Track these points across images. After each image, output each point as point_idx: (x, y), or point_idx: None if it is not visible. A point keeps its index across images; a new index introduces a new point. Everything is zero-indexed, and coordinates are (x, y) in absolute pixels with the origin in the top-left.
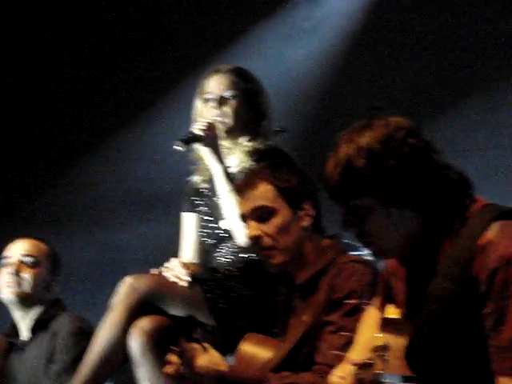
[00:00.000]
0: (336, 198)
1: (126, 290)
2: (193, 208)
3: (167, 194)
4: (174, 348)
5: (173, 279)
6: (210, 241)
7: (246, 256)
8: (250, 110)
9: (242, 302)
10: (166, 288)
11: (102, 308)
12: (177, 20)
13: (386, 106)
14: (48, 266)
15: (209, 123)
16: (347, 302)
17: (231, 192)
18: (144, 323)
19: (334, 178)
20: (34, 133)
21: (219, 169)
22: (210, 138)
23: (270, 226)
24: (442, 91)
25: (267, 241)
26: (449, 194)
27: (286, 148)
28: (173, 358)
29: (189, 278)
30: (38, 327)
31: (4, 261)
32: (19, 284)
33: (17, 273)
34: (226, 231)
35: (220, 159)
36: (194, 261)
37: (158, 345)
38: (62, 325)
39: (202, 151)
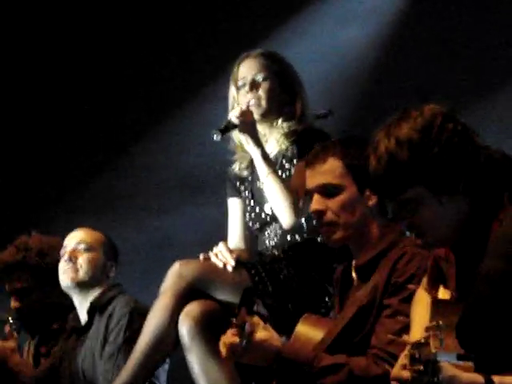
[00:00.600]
0: (385, 194)
1: (174, 276)
2: (237, 193)
3: (217, 178)
4: (234, 320)
5: (220, 264)
6: (255, 225)
7: (292, 238)
8: (282, 92)
9: (288, 284)
10: (213, 274)
11: (154, 291)
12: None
13: (436, 91)
14: (103, 251)
15: (243, 109)
16: (407, 286)
17: (272, 174)
18: (193, 308)
19: (378, 174)
20: (86, 120)
21: (258, 153)
22: (246, 124)
23: (335, 202)
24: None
25: (330, 216)
26: (495, 173)
27: (325, 129)
28: (227, 337)
29: (233, 263)
30: (95, 310)
31: (62, 251)
32: (75, 270)
33: (72, 259)
34: (270, 215)
35: (258, 143)
36: (241, 246)
37: (207, 329)
38: (116, 307)
39: (240, 138)
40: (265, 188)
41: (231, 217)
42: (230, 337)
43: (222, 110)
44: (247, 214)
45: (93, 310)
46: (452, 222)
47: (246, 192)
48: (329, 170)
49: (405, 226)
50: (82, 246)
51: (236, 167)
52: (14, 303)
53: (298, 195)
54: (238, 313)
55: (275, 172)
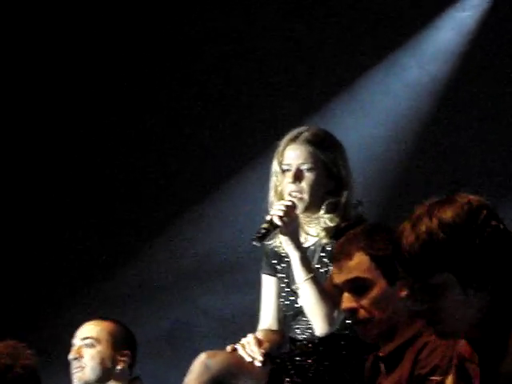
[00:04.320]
0: (412, 273)
1: (199, 368)
2: (273, 271)
3: (244, 263)
4: None
5: (247, 358)
6: (288, 312)
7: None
8: (328, 181)
9: (318, 382)
10: (239, 367)
11: (179, 382)
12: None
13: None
14: (111, 343)
15: (287, 207)
16: (431, 378)
17: (310, 281)
18: None
19: (413, 251)
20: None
21: (297, 256)
22: (288, 225)
23: (366, 299)
24: None
25: (363, 314)
26: None
27: (368, 219)
28: None
29: (261, 358)
30: None
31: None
32: (81, 368)
33: (77, 358)
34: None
35: (299, 246)
36: (273, 327)
37: None
38: None
39: (280, 238)
40: (300, 293)
41: (265, 294)
42: None
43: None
44: (281, 299)
45: None
46: (471, 316)
47: (283, 274)
48: (355, 265)
49: (421, 311)
50: (86, 342)
51: (276, 242)
52: None
53: (334, 301)
54: None
55: (313, 278)
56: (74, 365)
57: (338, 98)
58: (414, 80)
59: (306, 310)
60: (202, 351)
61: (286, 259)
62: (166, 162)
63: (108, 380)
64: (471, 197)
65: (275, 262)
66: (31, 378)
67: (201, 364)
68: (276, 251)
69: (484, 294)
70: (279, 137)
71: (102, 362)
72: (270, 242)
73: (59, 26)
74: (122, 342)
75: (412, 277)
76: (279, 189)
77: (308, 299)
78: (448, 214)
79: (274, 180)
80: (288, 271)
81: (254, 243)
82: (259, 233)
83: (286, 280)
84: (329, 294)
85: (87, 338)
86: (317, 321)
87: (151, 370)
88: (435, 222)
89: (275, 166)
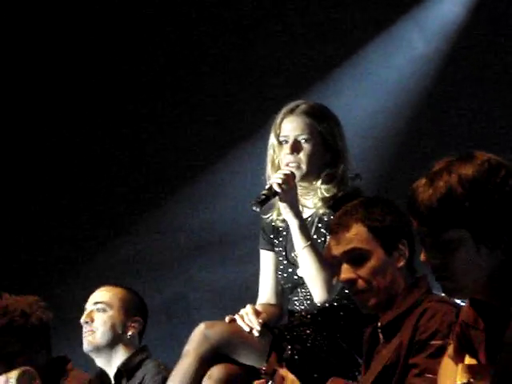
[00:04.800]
0: (427, 226)
1: (198, 338)
2: (271, 246)
3: (242, 238)
4: (264, 368)
5: (246, 328)
6: (287, 285)
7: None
8: (325, 152)
9: (316, 352)
10: (238, 337)
11: (177, 352)
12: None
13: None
14: (122, 309)
15: (286, 175)
16: (431, 343)
17: (308, 248)
18: (216, 372)
19: (430, 205)
20: (107, 179)
21: (296, 224)
22: (287, 193)
23: (364, 269)
24: None
25: (361, 284)
26: None
27: (366, 192)
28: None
29: (259, 328)
30: (122, 376)
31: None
32: (92, 333)
33: (89, 321)
34: (302, 277)
35: (298, 214)
36: (272, 301)
37: None
38: (148, 374)
39: (280, 205)
40: (299, 260)
41: (263, 269)
42: None
43: (247, 172)
44: (279, 272)
45: (120, 375)
46: (481, 275)
47: (280, 248)
48: (353, 236)
49: (432, 266)
50: (98, 307)
51: (273, 216)
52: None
53: (332, 269)
54: (268, 360)
55: (311, 246)
56: (85, 328)
57: (340, 69)
58: (417, 54)
59: (305, 278)
60: (200, 322)
61: (283, 233)
62: (163, 134)
63: (117, 345)
64: (491, 155)
65: (272, 236)
66: (43, 330)
67: (200, 334)
68: (273, 225)
69: (496, 254)
70: (277, 111)
71: (113, 327)
72: (266, 216)
73: (59, 27)
74: (133, 309)
75: (426, 230)
76: (276, 161)
77: (307, 266)
78: (468, 170)
79: (271, 153)
80: (285, 244)
81: (254, 208)
82: (259, 198)
83: (283, 253)
84: (327, 263)
85: (99, 302)
86: (316, 288)
87: (150, 340)
88: (454, 177)
89: (272, 139)
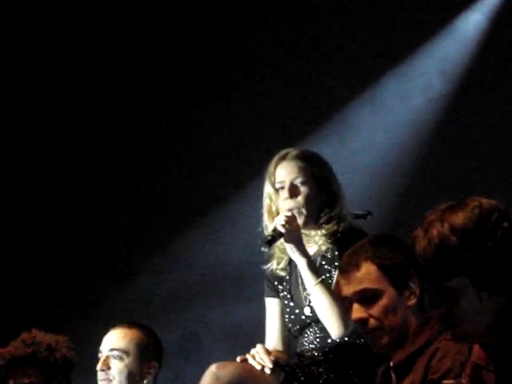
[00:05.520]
0: (427, 278)
1: (209, 379)
2: (276, 293)
3: (254, 277)
4: None
5: (257, 367)
6: (295, 327)
7: (333, 340)
8: (321, 194)
9: None
10: (250, 377)
11: None
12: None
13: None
14: (139, 354)
15: (288, 217)
16: (444, 382)
17: (319, 285)
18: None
19: (427, 257)
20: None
21: (304, 262)
22: (292, 233)
23: (376, 308)
24: None
25: (373, 323)
26: None
27: (371, 228)
28: None
29: (271, 365)
30: None
31: (99, 355)
32: (109, 381)
33: (105, 368)
34: (310, 316)
35: (304, 252)
36: (279, 347)
37: None
38: None
39: (286, 246)
40: (312, 298)
41: (269, 317)
42: None
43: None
44: (286, 316)
45: None
46: (487, 319)
47: (285, 292)
48: (363, 275)
49: (438, 315)
50: (114, 354)
51: (273, 266)
52: None
53: (345, 304)
54: None
55: (322, 282)
56: (101, 376)
57: (353, 103)
58: (429, 85)
59: (320, 314)
60: (211, 363)
61: (286, 277)
62: (175, 171)
63: None
64: (482, 200)
65: (276, 283)
66: (66, 368)
67: (211, 375)
68: (275, 274)
69: (498, 297)
70: (288, 146)
71: (130, 376)
72: (267, 266)
73: (59, 27)
74: (149, 353)
75: (427, 281)
76: (274, 209)
77: (321, 302)
78: (459, 218)
79: (267, 202)
80: (290, 287)
81: (263, 248)
82: (265, 239)
83: (288, 296)
84: (340, 298)
85: (115, 349)
86: (332, 323)
87: (162, 380)
88: (447, 226)
89: (268, 188)
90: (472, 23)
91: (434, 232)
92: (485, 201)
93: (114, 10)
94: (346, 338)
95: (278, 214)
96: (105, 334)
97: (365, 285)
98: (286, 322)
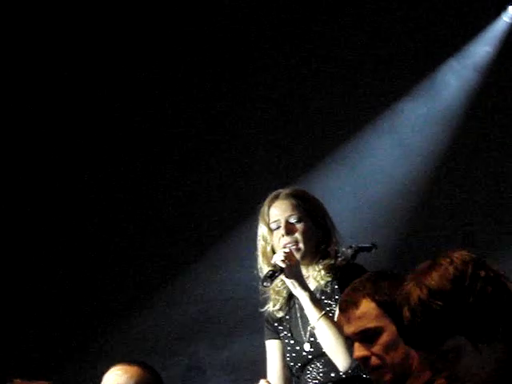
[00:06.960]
0: (422, 347)
1: None
2: (276, 335)
3: (256, 309)
4: None
5: None
6: (296, 365)
7: (336, 375)
8: (316, 230)
9: None
10: None
11: None
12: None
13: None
14: None
15: (287, 253)
16: None
17: (323, 318)
18: None
19: (415, 326)
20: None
21: (306, 297)
22: (292, 268)
23: (377, 346)
24: None
25: (375, 361)
26: None
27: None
28: None
29: None
30: None
31: None
32: None
33: None
34: (310, 352)
35: (305, 287)
36: None
37: None
38: None
39: (286, 282)
40: (316, 332)
41: (270, 359)
42: None
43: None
44: (287, 355)
45: None
46: (490, 370)
47: (285, 332)
48: (363, 314)
49: (444, 378)
50: None
51: (270, 307)
52: None
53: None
54: None
55: (326, 315)
56: None
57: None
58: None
59: (326, 347)
60: None
61: (285, 317)
62: (178, 203)
63: None
64: (454, 255)
65: (276, 324)
66: None
67: None
68: (273, 316)
69: (496, 344)
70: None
71: None
72: (265, 309)
73: (59, 27)
74: None
75: (423, 350)
76: (269, 250)
77: (326, 335)
78: (435, 280)
79: (262, 244)
80: (289, 326)
81: (265, 284)
82: (266, 274)
83: (288, 334)
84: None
85: None
86: (338, 355)
87: None
88: (425, 291)
89: (262, 229)
90: None
91: (415, 299)
92: (457, 255)
93: (114, 10)
94: (350, 371)
95: (274, 253)
96: (106, 371)
97: (364, 324)
98: (287, 361)
